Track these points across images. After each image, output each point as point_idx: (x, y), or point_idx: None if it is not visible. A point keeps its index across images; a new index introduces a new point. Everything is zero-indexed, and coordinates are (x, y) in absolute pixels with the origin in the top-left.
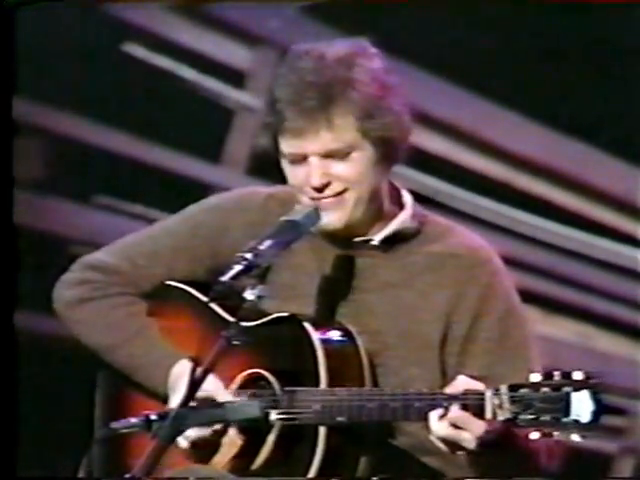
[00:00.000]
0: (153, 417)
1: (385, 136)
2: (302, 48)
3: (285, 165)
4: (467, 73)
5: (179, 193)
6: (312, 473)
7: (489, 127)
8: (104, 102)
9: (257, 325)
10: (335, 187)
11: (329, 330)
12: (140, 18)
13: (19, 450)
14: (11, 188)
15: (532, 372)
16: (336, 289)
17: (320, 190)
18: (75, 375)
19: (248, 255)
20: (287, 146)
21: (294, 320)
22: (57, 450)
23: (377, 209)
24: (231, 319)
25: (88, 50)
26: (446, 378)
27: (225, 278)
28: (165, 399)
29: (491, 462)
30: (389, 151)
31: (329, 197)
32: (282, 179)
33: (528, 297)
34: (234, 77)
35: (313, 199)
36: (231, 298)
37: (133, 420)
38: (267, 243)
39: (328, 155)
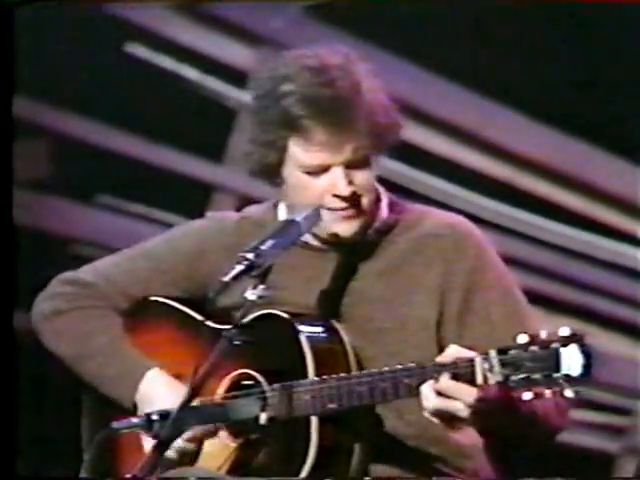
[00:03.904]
0: (154, 417)
1: (391, 142)
2: (295, 63)
3: (298, 176)
4: (469, 73)
5: (181, 193)
6: (307, 467)
7: (491, 127)
8: (105, 102)
9: (245, 324)
10: (358, 196)
11: (315, 327)
12: (142, 18)
13: (19, 450)
14: (11, 188)
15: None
16: (327, 285)
17: (348, 199)
18: (75, 375)
19: (249, 255)
20: (310, 159)
21: (280, 318)
22: (57, 450)
23: None
24: (214, 325)
25: (88, 49)
26: None
27: (227, 278)
28: (132, 411)
29: (495, 429)
30: (384, 151)
31: (352, 208)
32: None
33: (529, 296)
34: (237, 77)
35: (334, 209)
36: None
37: (134, 420)
38: (268, 243)
39: (351, 164)
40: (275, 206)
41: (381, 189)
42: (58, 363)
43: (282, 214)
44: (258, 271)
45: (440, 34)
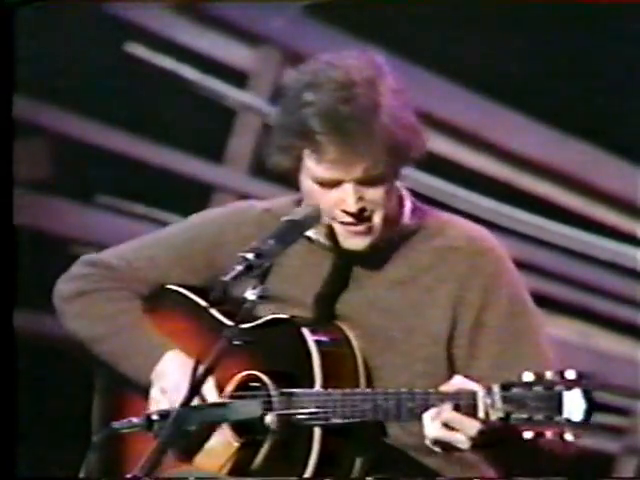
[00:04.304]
0: (154, 417)
1: (413, 158)
2: (322, 71)
3: (311, 186)
4: (469, 73)
5: (181, 193)
6: (308, 473)
7: (491, 127)
8: (105, 102)
9: (253, 327)
10: (367, 212)
11: (324, 332)
12: (142, 18)
13: (19, 450)
14: (11, 188)
15: (543, 357)
16: (340, 288)
17: (356, 216)
18: (74, 374)
19: (249, 255)
20: (322, 172)
21: (290, 322)
22: (57, 450)
23: None
24: (227, 322)
25: (88, 49)
26: (453, 372)
27: (226, 278)
28: (147, 389)
29: (497, 458)
30: (407, 166)
31: (361, 224)
32: (284, 181)
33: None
34: (236, 77)
35: (343, 223)
36: (229, 300)
37: (134, 420)
38: (269, 243)
39: (363, 181)
40: (297, 202)
41: (406, 194)
42: (59, 363)
43: None
44: (258, 271)
45: (440, 34)
